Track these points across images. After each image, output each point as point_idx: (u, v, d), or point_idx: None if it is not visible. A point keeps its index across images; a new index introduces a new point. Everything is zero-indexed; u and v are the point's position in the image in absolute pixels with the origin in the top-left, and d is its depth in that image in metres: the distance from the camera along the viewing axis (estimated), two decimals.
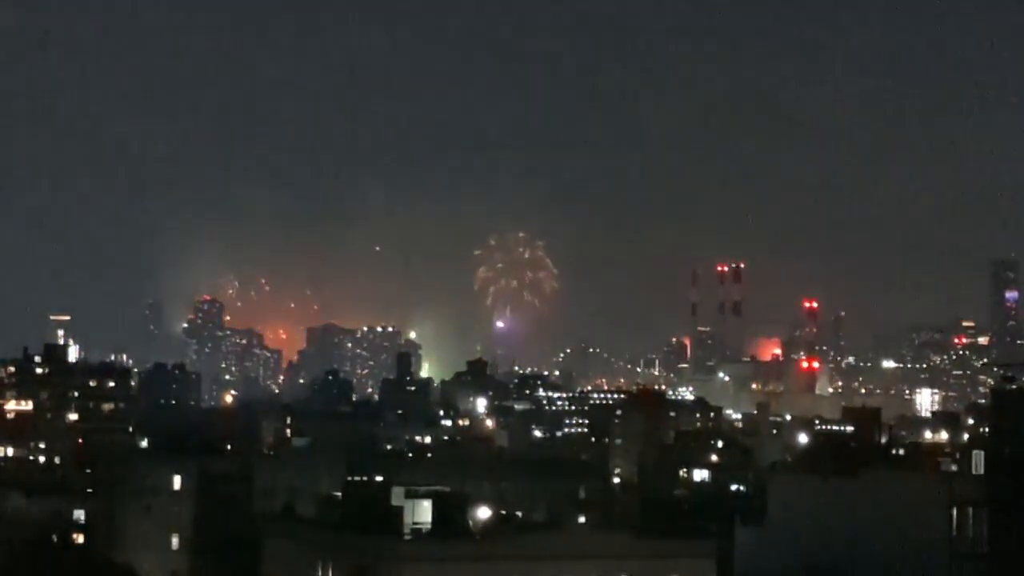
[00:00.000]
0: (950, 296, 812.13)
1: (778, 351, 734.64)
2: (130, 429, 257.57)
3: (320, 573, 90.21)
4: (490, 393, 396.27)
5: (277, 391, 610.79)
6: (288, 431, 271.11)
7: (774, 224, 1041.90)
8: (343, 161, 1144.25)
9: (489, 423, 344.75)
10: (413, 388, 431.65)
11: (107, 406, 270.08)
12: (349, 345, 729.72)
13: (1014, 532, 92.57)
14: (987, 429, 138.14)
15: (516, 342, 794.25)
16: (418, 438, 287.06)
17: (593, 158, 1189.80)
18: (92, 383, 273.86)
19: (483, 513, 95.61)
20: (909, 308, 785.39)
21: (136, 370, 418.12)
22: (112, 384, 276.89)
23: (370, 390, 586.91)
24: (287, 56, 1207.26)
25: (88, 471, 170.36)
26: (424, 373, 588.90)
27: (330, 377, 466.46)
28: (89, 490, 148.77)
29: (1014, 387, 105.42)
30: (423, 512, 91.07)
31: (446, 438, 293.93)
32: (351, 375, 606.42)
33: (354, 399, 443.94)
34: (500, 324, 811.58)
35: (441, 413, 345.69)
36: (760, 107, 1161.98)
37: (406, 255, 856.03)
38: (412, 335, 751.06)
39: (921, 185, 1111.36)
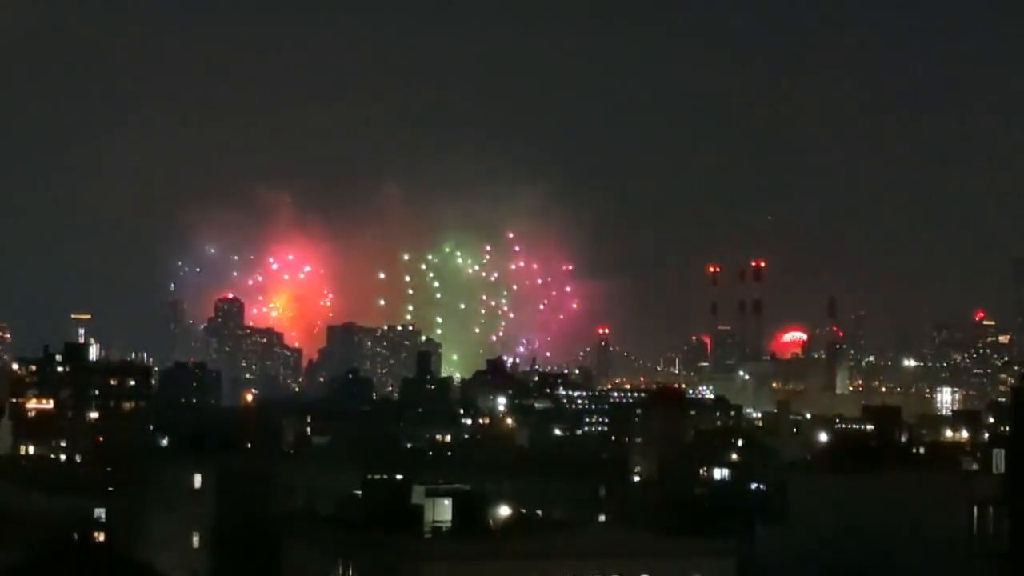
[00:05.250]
0: (971, 294, 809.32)
1: (799, 350, 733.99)
2: (150, 427, 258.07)
3: (340, 571, 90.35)
4: (510, 392, 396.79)
5: (297, 390, 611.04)
6: (308, 430, 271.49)
7: (796, 222, 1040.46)
8: (353, 154, 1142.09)
9: (509, 422, 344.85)
10: (433, 387, 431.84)
11: (127, 404, 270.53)
12: (369, 344, 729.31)
13: None
14: (1008, 427, 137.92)
15: (536, 340, 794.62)
16: (438, 436, 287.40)
17: (614, 153, 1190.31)
18: (112, 382, 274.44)
19: (503, 511, 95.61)
20: (930, 306, 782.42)
21: (156, 369, 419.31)
22: (132, 383, 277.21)
23: (390, 389, 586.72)
24: (307, 49, 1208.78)
25: (108, 469, 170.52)
26: (444, 372, 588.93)
27: (350, 376, 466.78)
28: (109, 488, 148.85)
29: None
30: (443, 510, 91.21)
31: (466, 436, 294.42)
32: (371, 374, 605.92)
33: (374, 398, 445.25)
34: (520, 322, 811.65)
35: (461, 412, 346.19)
36: (780, 104, 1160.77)
37: (423, 252, 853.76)
38: (435, 332, 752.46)
39: (943, 183, 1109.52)
